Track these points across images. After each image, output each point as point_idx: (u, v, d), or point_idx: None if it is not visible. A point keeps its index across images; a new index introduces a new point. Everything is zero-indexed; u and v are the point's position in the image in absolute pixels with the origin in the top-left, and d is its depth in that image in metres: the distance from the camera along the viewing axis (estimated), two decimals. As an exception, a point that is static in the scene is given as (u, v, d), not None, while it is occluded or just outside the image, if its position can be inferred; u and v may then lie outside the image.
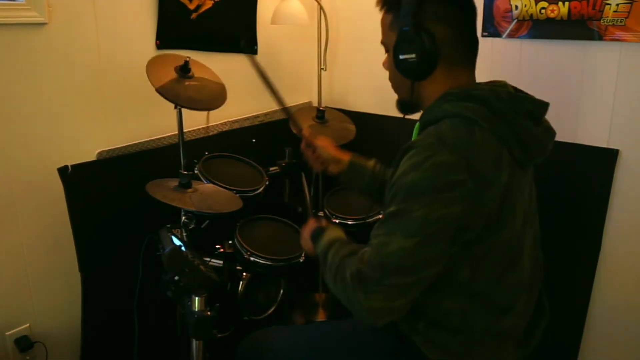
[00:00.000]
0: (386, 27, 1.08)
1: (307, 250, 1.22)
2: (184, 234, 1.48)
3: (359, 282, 0.92)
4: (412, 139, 1.03)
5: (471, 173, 0.89)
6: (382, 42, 1.12)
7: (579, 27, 1.56)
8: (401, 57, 1.02)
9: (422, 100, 1.07)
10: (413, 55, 1.00)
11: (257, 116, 2.09)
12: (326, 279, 1.04)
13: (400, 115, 1.15)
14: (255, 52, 2.03)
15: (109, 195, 1.61)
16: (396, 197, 0.92)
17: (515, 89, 1.06)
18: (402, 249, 0.89)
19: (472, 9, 1.04)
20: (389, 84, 1.14)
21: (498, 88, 1.00)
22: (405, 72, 1.04)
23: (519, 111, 0.97)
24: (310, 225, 1.20)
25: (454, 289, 0.99)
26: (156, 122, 1.73)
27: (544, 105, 1.05)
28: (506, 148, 0.95)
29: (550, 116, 1.06)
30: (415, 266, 0.90)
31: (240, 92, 2.00)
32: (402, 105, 1.14)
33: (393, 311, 0.92)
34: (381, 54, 1.12)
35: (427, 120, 1.02)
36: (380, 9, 1.09)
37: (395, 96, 1.15)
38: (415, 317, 1.03)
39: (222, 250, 1.55)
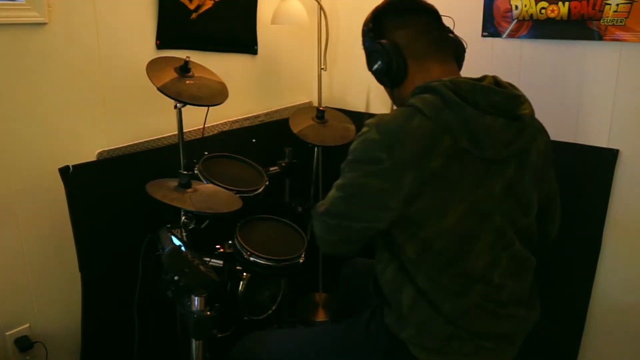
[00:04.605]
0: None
1: None
2: (184, 234, 1.48)
3: (315, 213, 1.10)
4: None
5: (390, 154, 0.96)
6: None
7: (579, 27, 1.56)
8: (373, 69, 1.12)
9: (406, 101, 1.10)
10: (379, 62, 1.09)
11: (257, 116, 2.09)
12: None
13: None
14: (255, 52, 2.03)
15: (109, 195, 1.61)
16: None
17: (496, 81, 1.06)
18: (333, 197, 1.06)
19: (425, 9, 1.12)
20: None
21: (462, 78, 1.04)
22: (383, 80, 1.13)
23: (477, 102, 0.98)
24: None
25: (407, 276, 1.05)
26: (156, 122, 1.73)
27: (514, 98, 1.03)
28: (450, 136, 0.97)
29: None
30: (339, 214, 1.05)
31: (240, 92, 2.00)
32: None
33: (329, 244, 1.09)
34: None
35: None
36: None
37: None
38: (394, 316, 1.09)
39: (222, 250, 1.55)
